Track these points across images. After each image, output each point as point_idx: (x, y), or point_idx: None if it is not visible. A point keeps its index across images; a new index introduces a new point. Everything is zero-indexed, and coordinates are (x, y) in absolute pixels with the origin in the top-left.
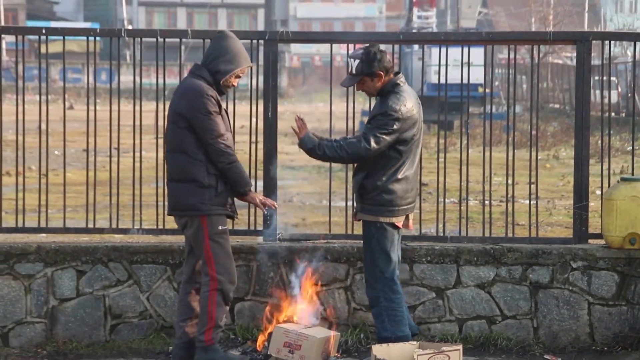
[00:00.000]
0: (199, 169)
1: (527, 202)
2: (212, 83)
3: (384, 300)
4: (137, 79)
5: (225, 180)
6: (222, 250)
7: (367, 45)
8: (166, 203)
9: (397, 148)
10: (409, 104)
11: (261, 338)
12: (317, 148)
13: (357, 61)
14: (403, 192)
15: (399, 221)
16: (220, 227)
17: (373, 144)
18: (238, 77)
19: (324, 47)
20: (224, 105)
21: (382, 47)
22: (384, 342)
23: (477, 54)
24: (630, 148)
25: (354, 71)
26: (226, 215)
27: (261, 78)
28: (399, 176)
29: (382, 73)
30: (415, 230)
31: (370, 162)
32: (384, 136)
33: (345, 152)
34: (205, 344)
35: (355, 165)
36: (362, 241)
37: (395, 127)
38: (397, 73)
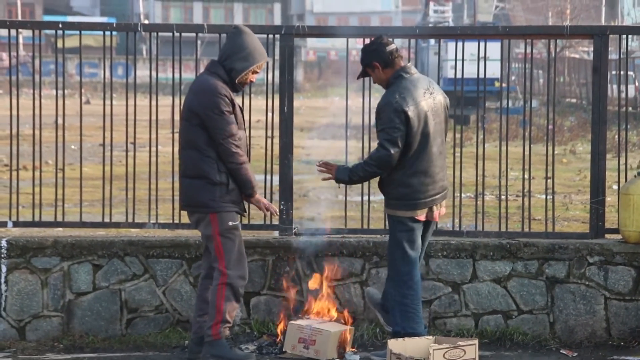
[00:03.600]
0: (211, 166)
1: (544, 196)
2: (227, 81)
3: (397, 294)
4: (154, 73)
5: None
6: (233, 246)
7: (373, 38)
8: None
9: (407, 141)
10: (407, 95)
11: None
12: (353, 175)
13: (361, 53)
14: (420, 185)
15: (420, 215)
16: (230, 223)
17: (390, 146)
18: (255, 72)
19: (340, 42)
20: (239, 102)
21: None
22: (396, 336)
23: (494, 48)
24: None
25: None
26: (238, 212)
27: (277, 72)
28: (415, 169)
29: (377, 64)
30: None
31: None
32: (393, 134)
33: (372, 165)
34: (212, 339)
35: None
36: (378, 235)
37: (396, 120)
38: (406, 65)
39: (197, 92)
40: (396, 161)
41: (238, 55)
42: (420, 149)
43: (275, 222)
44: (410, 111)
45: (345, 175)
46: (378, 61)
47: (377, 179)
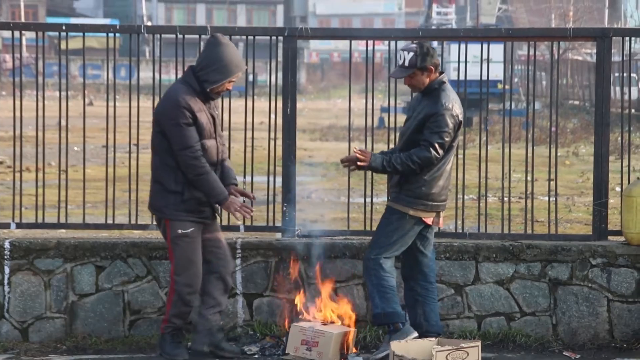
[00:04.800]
0: (168, 174)
1: (547, 198)
2: (198, 91)
3: (374, 277)
4: (157, 75)
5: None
6: (182, 254)
7: (418, 42)
8: None
9: (449, 145)
10: (457, 101)
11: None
12: (389, 166)
13: (411, 54)
14: (440, 189)
15: (427, 217)
16: (179, 231)
17: (439, 149)
18: (230, 82)
19: (343, 43)
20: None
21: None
22: (377, 319)
23: (497, 50)
24: None
25: (406, 64)
26: (194, 221)
27: (280, 74)
28: (442, 171)
29: (433, 68)
30: None
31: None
32: (446, 138)
33: (417, 163)
34: (160, 331)
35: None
36: None
37: (451, 125)
38: (441, 72)
39: (162, 100)
40: (432, 164)
41: (213, 67)
42: (451, 152)
43: (278, 223)
44: (460, 117)
45: (379, 165)
46: (434, 65)
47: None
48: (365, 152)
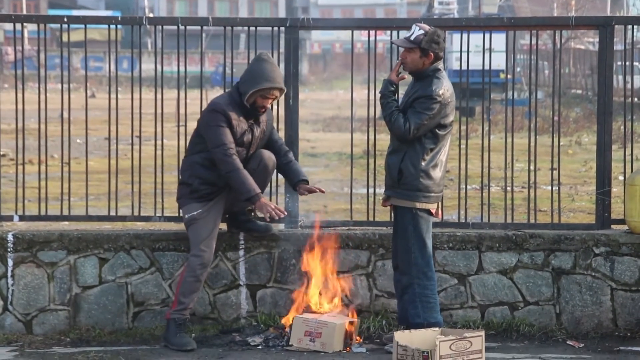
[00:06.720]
0: (186, 169)
1: (549, 188)
2: (237, 102)
3: (417, 286)
4: (159, 67)
5: (205, 180)
6: (194, 234)
7: (434, 27)
8: None
9: (436, 132)
10: (450, 89)
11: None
12: (382, 97)
13: (421, 32)
14: (439, 179)
15: (434, 208)
16: (187, 216)
17: (413, 129)
18: (265, 98)
19: (345, 34)
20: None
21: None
22: (417, 328)
23: (499, 40)
24: None
25: (412, 38)
26: (203, 202)
27: (282, 65)
28: (437, 162)
29: (432, 55)
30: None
31: (407, 145)
32: (424, 121)
33: (391, 123)
34: (166, 317)
35: (390, 148)
36: (384, 228)
37: (435, 111)
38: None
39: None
40: (400, 140)
41: (244, 79)
42: (445, 143)
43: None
44: (452, 106)
45: (382, 91)
46: (435, 54)
47: (396, 168)
48: (397, 69)
